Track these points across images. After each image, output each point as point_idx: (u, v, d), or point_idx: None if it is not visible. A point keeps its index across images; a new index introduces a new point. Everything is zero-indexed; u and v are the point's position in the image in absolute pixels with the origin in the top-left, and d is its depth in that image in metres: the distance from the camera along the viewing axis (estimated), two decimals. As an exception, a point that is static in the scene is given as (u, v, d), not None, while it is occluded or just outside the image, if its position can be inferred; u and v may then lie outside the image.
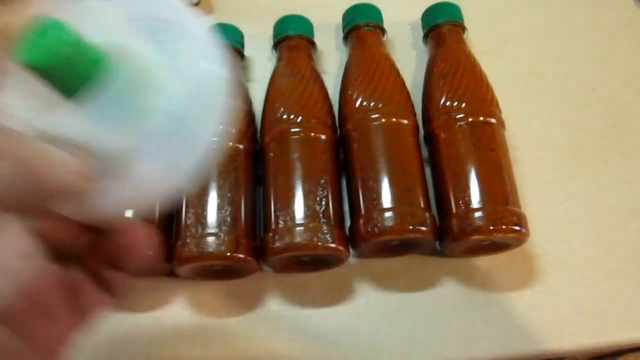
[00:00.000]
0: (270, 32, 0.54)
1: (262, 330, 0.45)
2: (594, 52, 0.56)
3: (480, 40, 0.55)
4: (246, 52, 0.54)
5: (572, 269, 0.46)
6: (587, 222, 0.48)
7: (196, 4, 0.60)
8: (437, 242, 0.44)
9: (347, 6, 0.54)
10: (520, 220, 0.42)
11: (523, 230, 0.41)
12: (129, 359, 0.44)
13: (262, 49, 0.57)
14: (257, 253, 0.43)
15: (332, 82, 0.54)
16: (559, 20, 0.59)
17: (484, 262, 0.46)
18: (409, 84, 0.49)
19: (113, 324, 0.45)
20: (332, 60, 0.56)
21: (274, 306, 0.46)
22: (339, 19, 0.55)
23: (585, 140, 0.52)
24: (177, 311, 0.46)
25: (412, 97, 0.48)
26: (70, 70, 0.21)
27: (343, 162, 0.47)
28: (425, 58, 0.55)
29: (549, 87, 0.55)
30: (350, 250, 0.44)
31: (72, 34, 0.21)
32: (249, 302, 0.46)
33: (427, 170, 0.47)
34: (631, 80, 0.55)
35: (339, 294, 0.46)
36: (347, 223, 0.45)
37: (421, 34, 0.54)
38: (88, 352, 0.45)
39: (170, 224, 0.45)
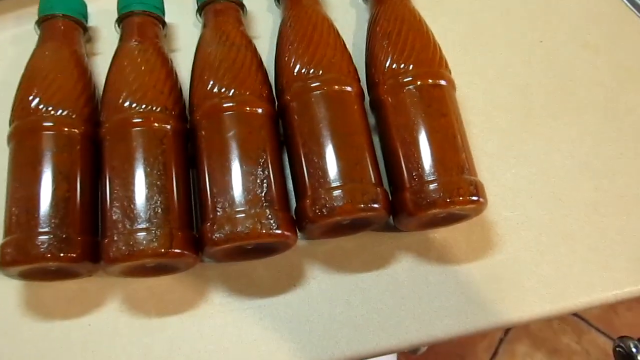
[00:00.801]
0: (195, -6, 0.49)
1: (207, 327, 0.41)
2: (538, 3, 0.53)
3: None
4: (168, 18, 0.48)
5: (529, 235, 0.44)
6: (541, 184, 0.46)
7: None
8: (391, 218, 0.41)
9: (276, -40, 0.49)
10: (478, 189, 0.39)
11: (481, 199, 0.39)
12: (59, 372, 0.40)
13: (187, 13, 0.51)
14: (195, 245, 0.39)
15: (265, 48, 0.49)
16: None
17: (440, 234, 0.44)
18: (349, 46, 0.45)
19: (41, 333, 0.41)
20: (263, 23, 0.51)
21: (218, 299, 0.42)
22: (268, -23, 0.51)
23: (533, 97, 0.49)
24: (112, 314, 0.41)
25: (354, 60, 0.44)
26: None
27: (283, 137, 0.43)
28: (365, 16, 0.51)
29: (494, 41, 0.52)
30: (298, 232, 0.40)
31: None
32: (191, 298, 0.42)
33: (375, 139, 0.43)
34: (578, 33, 0.52)
35: (288, 280, 0.42)
36: (292, 203, 0.41)
37: (359, -10, 0.50)
38: (11, 369, 0.40)
39: (95, 221, 0.40)
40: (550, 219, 0.44)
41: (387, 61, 0.42)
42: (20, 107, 0.41)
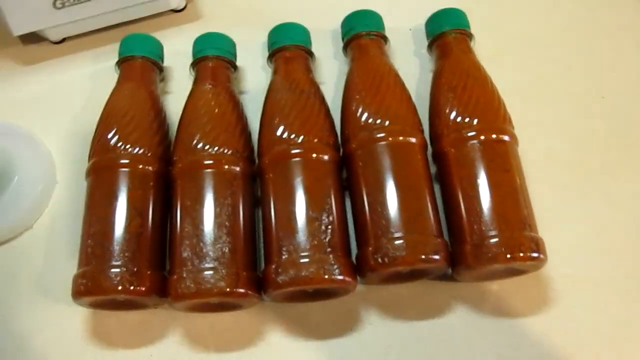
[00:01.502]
0: (263, 38, 0.51)
1: (264, 366, 0.42)
2: (602, 58, 0.54)
3: (483, 47, 0.52)
4: (238, 62, 0.50)
5: (587, 293, 0.44)
6: (600, 242, 0.45)
7: (181, 10, 0.56)
8: (449, 268, 0.42)
9: (344, 11, 0.51)
10: (539, 246, 0.39)
11: (542, 256, 0.39)
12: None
13: (255, 56, 0.53)
14: (258, 286, 0.40)
15: (330, 93, 0.51)
16: (564, 25, 0.56)
17: (495, 286, 0.44)
18: (412, 95, 0.46)
19: (103, 362, 0.42)
20: (329, 69, 0.53)
21: (276, 339, 0.43)
22: (335, 24, 0.52)
23: (595, 153, 0.49)
24: (173, 347, 0.43)
25: (417, 110, 0.45)
26: None
27: (347, 183, 0.44)
28: (428, 65, 0.52)
29: (556, 95, 0.52)
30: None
31: None
32: (249, 336, 0.43)
33: (436, 188, 0.44)
34: (641, 88, 0.52)
35: (345, 324, 0.43)
36: (353, 248, 0.42)
37: (423, 39, 0.51)
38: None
39: (163, 256, 0.42)
40: (609, 278, 0.44)
41: (451, 114, 0.43)
42: (99, 144, 0.44)
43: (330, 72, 0.53)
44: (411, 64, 0.53)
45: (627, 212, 0.47)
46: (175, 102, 0.49)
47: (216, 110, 0.44)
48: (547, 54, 0.54)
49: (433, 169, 0.45)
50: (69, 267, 0.41)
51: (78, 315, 0.44)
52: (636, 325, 0.43)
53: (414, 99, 0.46)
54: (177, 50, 0.52)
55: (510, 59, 0.54)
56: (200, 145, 0.42)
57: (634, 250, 0.45)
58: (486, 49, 0.52)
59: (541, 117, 0.51)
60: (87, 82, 0.54)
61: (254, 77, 0.53)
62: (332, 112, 0.46)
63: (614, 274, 0.44)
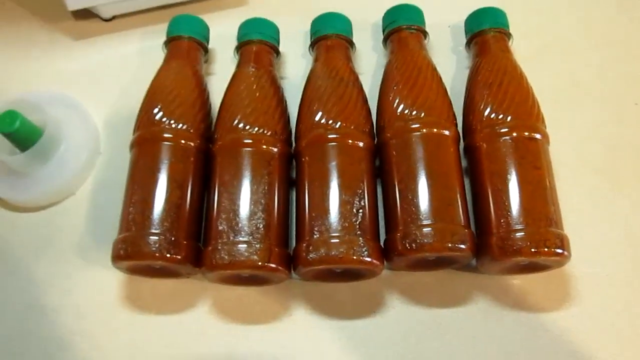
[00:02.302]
0: (306, 27, 0.53)
1: (287, 341, 0.44)
2: (637, 66, 0.54)
3: (521, 46, 0.53)
4: (281, 48, 0.52)
5: (608, 294, 0.45)
6: (625, 246, 0.46)
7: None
8: (473, 259, 0.43)
9: (386, 4, 0.52)
10: (563, 243, 0.40)
11: (566, 253, 0.40)
12: (150, 362, 0.43)
13: (297, 44, 0.55)
14: (288, 262, 0.42)
15: (367, 83, 0.52)
16: (601, 30, 0.57)
17: (518, 280, 0.45)
18: (448, 90, 0.47)
19: (136, 325, 0.44)
20: (368, 60, 0.55)
21: (300, 316, 0.44)
22: (375, 17, 0.54)
23: (625, 158, 0.50)
24: (202, 315, 0.45)
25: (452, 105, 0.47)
26: (21, 136, 0.47)
27: (379, 171, 0.45)
28: (465, 62, 0.53)
29: (589, 99, 0.53)
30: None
31: (22, 117, 0.46)
32: (275, 310, 0.45)
33: (466, 181, 0.45)
34: (675, 97, 0.53)
35: (368, 306, 0.45)
36: (382, 234, 0.44)
37: (462, 37, 0.52)
38: (110, 353, 0.44)
39: (199, 227, 0.44)
40: (632, 280, 0.45)
41: (486, 110, 0.44)
42: (145, 118, 0.46)
43: (369, 63, 0.54)
44: (448, 60, 0.54)
45: (653, 218, 0.47)
46: (218, 83, 0.51)
47: (257, 93, 0.46)
48: (583, 59, 0.55)
49: (464, 163, 0.46)
50: (108, 234, 0.44)
51: (114, 280, 0.46)
52: (655, 329, 0.43)
53: (449, 93, 0.47)
54: (223, 34, 0.54)
55: (547, 62, 0.55)
56: (240, 125, 0.44)
57: (658, 255, 0.46)
58: (523, 51, 0.53)
59: (574, 120, 0.51)
60: (134, 59, 0.56)
61: (296, 63, 0.55)
62: (369, 101, 0.48)
63: (635, 277, 0.45)
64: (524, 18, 0.56)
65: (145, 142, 0.45)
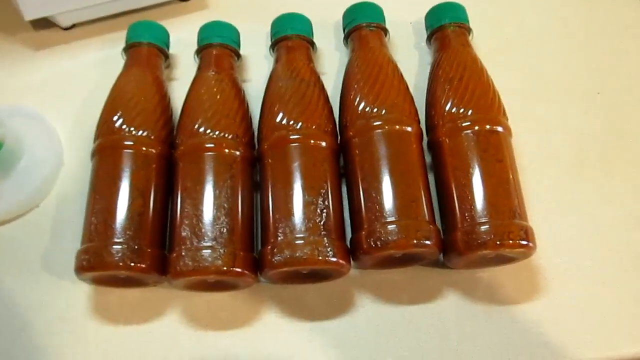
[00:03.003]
0: (267, 28, 0.52)
1: (258, 345, 0.43)
2: (598, 55, 0.55)
3: (482, 42, 0.53)
4: (242, 50, 0.52)
5: (577, 282, 0.45)
6: (592, 234, 0.46)
7: (188, 0, 0.58)
8: (441, 255, 0.43)
9: (347, 3, 0.52)
10: (528, 234, 0.40)
11: (530, 244, 0.40)
12: (120, 374, 0.43)
13: (259, 46, 0.55)
14: (254, 266, 0.41)
15: (330, 83, 0.52)
16: (562, 22, 0.57)
17: (487, 273, 0.45)
18: (410, 86, 0.47)
19: (106, 337, 0.44)
20: (330, 60, 0.54)
21: (271, 319, 0.44)
22: (337, 17, 0.53)
23: (589, 148, 0.50)
24: (172, 323, 0.44)
25: (414, 100, 0.46)
26: None
27: (344, 170, 0.45)
28: (427, 58, 0.53)
29: (552, 91, 0.53)
30: (351, 262, 0.42)
31: None
32: (245, 315, 0.44)
33: (430, 177, 0.45)
34: (636, 85, 0.53)
35: (338, 307, 0.44)
36: (348, 233, 0.44)
37: (424, 33, 0.52)
38: (78, 366, 0.43)
39: (164, 235, 0.43)
40: (599, 268, 0.45)
41: (447, 105, 0.44)
42: (105, 126, 0.45)
43: (332, 62, 0.54)
44: (411, 56, 0.54)
45: (618, 206, 0.48)
46: (180, 89, 0.51)
47: (218, 97, 0.46)
48: (544, 51, 0.55)
49: (428, 159, 0.46)
50: (73, 245, 0.43)
51: (81, 292, 0.45)
52: (624, 315, 0.44)
53: (412, 90, 0.47)
54: (183, 39, 0.54)
55: (509, 55, 0.55)
56: (202, 130, 0.44)
57: (623, 242, 0.46)
58: (485, 45, 0.53)
59: (538, 112, 0.52)
60: (95, 67, 0.55)
61: (258, 66, 0.54)
62: (332, 101, 0.48)
63: (603, 265, 0.45)
64: (485, 12, 0.56)
65: (106, 150, 0.44)
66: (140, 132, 0.44)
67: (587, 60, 0.54)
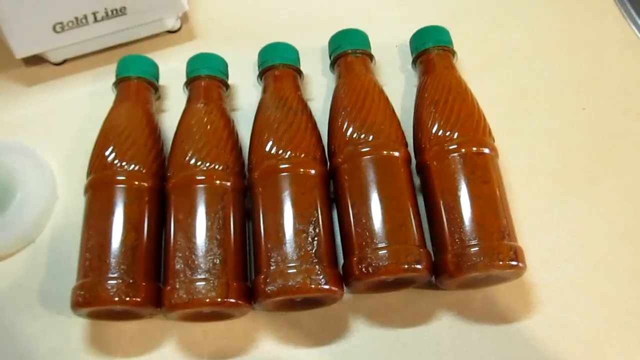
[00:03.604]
0: (255, 57, 0.53)
1: (256, 373, 0.44)
2: (582, 71, 0.56)
3: (467, 60, 0.54)
4: (230, 79, 0.53)
5: (569, 298, 0.45)
6: (581, 248, 0.47)
7: (176, 31, 0.58)
8: (433, 277, 0.43)
9: (333, 29, 0.53)
10: (517, 254, 0.41)
11: (520, 264, 0.41)
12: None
13: (248, 74, 0.55)
14: (248, 295, 0.42)
15: (319, 108, 0.53)
16: (545, 38, 0.58)
17: (480, 294, 0.45)
18: (398, 109, 0.48)
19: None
20: (318, 85, 0.55)
21: (268, 346, 0.44)
22: (324, 42, 0.54)
23: (575, 163, 0.51)
24: (168, 354, 0.44)
25: (402, 123, 0.47)
26: None
27: (334, 195, 0.46)
28: (414, 80, 0.54)
29: (537, 108, 0.54)
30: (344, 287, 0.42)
31: None
32: (242, 343, 0.45)
33: (420, 200, 0.45)
34: (620, 99, 0.54)
35: (333, 332, 0.45)
36: (340, 258, 0.44)
37: (409, 56, 0.53)
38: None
39: (158, 267, 0.44)
40: (590, 283, 0.46)
41: (433, 128, 0.45)
42: (97, 161, 0.46)
43: (320, 88, 0.55)
44: (397, 79, 0.55)
45: (606, 220, 0.48)
46: (170, 119, 0.51)
47: (208, 127, 0.46)
48: (529, 68, 0.56)
49: (417, 181, 0.47)
50: (69, 280, 0.43)
51: (78, 326, 0.46)
52: (617, 329, 0.44)
53: (399, 112, 0.48)
54: (173, 69, 0.54)
55: (493, 73, 0.56)
56: (192, 161, 0.44)
57: (613, 256, 0.47)
58: (469, 64, 0.54)
59: (524, 128, 0.52)
60: (87, 101, 0.56)
61: (246, 94, 0.55)
62: (320, 126, 0.48)
63: (594, 279, 0.46)
64: (468, 32, 0.57)
65: (99, 185, 0.45)
66: (132, 166, 0.45)
67: (572, 76, 0.55)
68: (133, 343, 0.45)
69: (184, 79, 0.52)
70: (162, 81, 0.54)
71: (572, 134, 0.52)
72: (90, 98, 0.56)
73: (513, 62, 0.56)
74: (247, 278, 0.43)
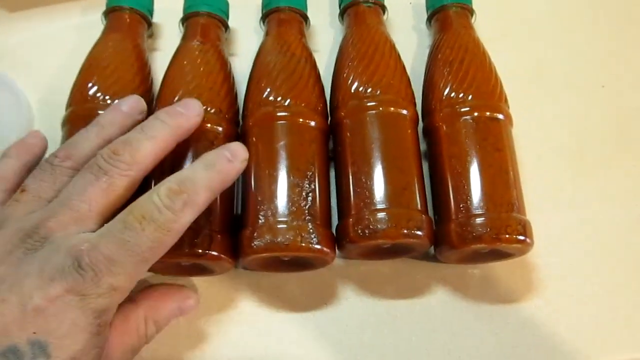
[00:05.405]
0: (259, 0, 0.49)
1: (234, 334, 0.41)
2: (605, 46, 0.52)
3: (485, 27, 0.51)
4: (231, 23, 0.49)
5: (572, 283, 0.43)
6: (589, 233, 0.44)
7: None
8: (432, 247, 0.40)
9: (345, -22, 0.49)
10: (526, 229, 0.38)
11: (528, 240, 0.38)
12: None
13: (249, 19, 0.51)
14: (233, 250, 0.38)
15: (323, 62, 0.49)
16: (569, 10, 0.54)
17: (479, 270, 0.43)
18: (408, 70, 0.45)
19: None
20: (324, 37, 0.51)
21: (248, 308, 0.41)
22: (334, -9, 0.51)
23: (591, 143, 0.48)
24: (140, 308, 0.41)
25: (412, 85, 0.44)
26: None
27: (333, 153, 0.42)
28: (426, 41, 0.51)
29: (555, 81, 0.51)
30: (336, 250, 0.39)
31: None
32: (221, 303, 0.41)
33: (425, 166, 0.42)
34: (643, 80, 0.51)
35: (320, 298, 0.42)
36: (334, 221, 0.41)
37: (423, 14, 0.50)
38: None
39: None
40: (596, 270, 0.43)
41: (445, 89, 0.42)
42: (78, 93, 0.42)
43: (325, 40, 0.51)
44: (409, 39, 0.51)
45: (618, 204, 0.46)
46: (162, 60, 0.47)
47: (202, 68, 0.43)
48: (549, 40, 0.53)
49: (423, 147, 0.43)
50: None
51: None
52: (619, 317, 0.42)
53: (409, 74, 0.45)
54: (169, 8, 0.50)
55: (512, 43, 0.52)
56: (182, 102, 0.41)
57: (622, 242, 0.44)
58: (489, 31, 0.50)
59: (539, 103, 0.49)
60: (73, 34, 0.52)
61: (246, 40, 0.51)
62: (324, 81, 0.45)
63: (600, 265, 0.43)
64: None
65: (78, 119, 0.41)
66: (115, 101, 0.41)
67: (593, 52, 0.52)
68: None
69: (178, 18, 0.48)
70: (155, 19, 0.50)
71: (589, 113, 0.49)
72: (76, 30, 0.52)
73: (533, 34, 0.53)
74: (234, 232, 0.40)
